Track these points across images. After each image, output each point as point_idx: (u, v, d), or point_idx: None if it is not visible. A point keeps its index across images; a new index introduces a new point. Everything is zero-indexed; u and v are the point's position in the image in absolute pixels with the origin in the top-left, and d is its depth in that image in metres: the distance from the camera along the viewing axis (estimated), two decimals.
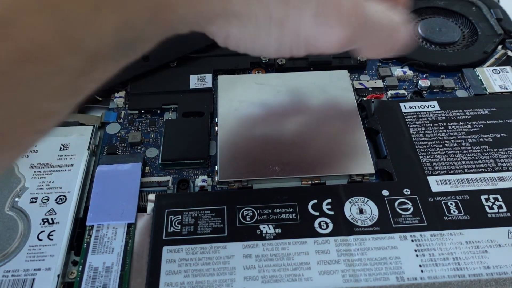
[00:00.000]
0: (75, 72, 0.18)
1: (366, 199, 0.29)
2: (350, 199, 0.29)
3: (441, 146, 0.32)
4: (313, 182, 0.31)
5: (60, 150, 0.33)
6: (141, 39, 0.20)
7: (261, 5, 0.22)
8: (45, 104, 0.18)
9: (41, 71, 0.17)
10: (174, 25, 0.22)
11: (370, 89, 0.38)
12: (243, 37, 0.24)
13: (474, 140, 0.33)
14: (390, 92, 0.38)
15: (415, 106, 0.35)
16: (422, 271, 0.26)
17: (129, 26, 0.19)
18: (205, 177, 0.32)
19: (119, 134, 0.35)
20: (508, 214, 0.29)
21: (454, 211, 0.29)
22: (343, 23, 0.23)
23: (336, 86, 0.36)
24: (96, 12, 0.17)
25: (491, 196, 0.29)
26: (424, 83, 0.38)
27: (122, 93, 0.38)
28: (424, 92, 0.38)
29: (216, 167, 0.32)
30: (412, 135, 0.33)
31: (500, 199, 0.29)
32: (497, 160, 0.32)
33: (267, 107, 0.35)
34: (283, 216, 0.29)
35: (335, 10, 0.23)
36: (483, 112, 0.35)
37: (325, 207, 0.29)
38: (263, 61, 0.40)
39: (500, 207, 0.29)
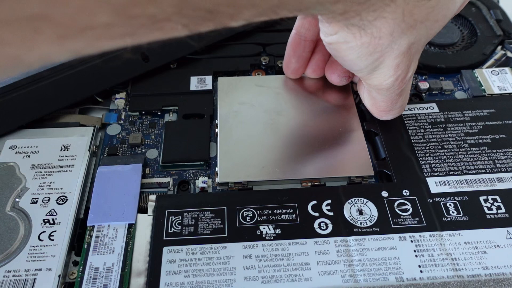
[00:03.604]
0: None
1: (365, 200, 0.29)
2: (349, 200, 0.29)
3: (440, 147, 0.33)
4: (312, 184, 0.31)
5: (61, 151, 0.33)
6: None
7: (390, 40, 0.26)
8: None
9: None
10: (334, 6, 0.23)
11: None
12: (356, 51, 0.27)
13: (473, 141, 0.33)
14: None
15: (414, 108, 0.35)
16: (421, 271, 0.26)
17: None
18: (206, 178, 0.32)
19: (120, 135, 0.36)
20: (507, 215, 0.29)
21: (453, 212, 0.29)
22: (399, 77, 0.28)
23: (336, 88, 0.36)
24: None
25: (489, 197, 0.30)
26: (423, 85, 0.39)
27: (123, 95, 0.38)
28: (423, 94, 0.39)
29: (216, 169, 0.32)
30: (411, 137, 0.33)
31: (498, 200, 0.29)
32: (496, 161, 0.32)
33: (267, 109, 0.35)
34: (283, 217, 0.29)
35: (405, 69, 0.28)
36: (481, 114, 0.35)
37: (324, 208, 0.29)
38: (263, 63, 0.41)
39: (498, 208, 0.29)
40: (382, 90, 0.30)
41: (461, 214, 0.29)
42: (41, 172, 0.32)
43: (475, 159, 0.32)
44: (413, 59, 0.28)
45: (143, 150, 0.35)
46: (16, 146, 0.33)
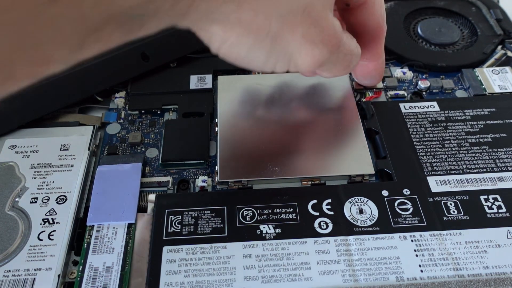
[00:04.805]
0: (91, 26, 0.17)
1: (365, 199, 0.29)
2: (349, 199, 0.29)
3: (440, 146, 0.33)
4: (313, 182, 0.31)
5: (60, 150, 0.33)
6: (153, 16, 0.19)
7: (265, 17, 0.23)
8: (50, 48, 0.17)
9: (63, 13, 0.16)
10: (184, 16, 0.21)
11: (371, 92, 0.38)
12: (240, 45, 0.25)
13: (473, 140, 0.33)
14: (390, 93, 0.38)
15: (414, 107, 0.35)
16: (421, 271, 0.26)
17: None
18: (205, 177, 0.32)
19: (119, 134, 0.36)
20: (508, 214, 0.29)
21: (453, 211, 0.29)
22: (323, 44, 0.26)
23: (336, 86, 0.36)
24: None
25: (490, 196, 0.30)
26: (423, 83, 0.38)
27: (122, 94, 0.38)
28: (424, 93, 0.38)
29: (216, 168, 0.32)
30: (412, 136, 0.33)
31: (499, 199, 0.29)
32: (497, 161, 0.32)
33: (267, 107, 0.35)
34: (283, 216, 0.29)
35: (320, 32, 0.25)
36: (482, 113, 0.35)
37: (325, 207, 0.29)
38: None
39: (499, 207, 0.29)
40: (322, 70, 0.29)
41: (462, 214, 0.29)
42: (40, 171, 0.32)
43: (476, 158, 0.32)
44: (319, 20, 0.25)
45: (143, 149, 0.35)
46: (16, 146, 0.33)
